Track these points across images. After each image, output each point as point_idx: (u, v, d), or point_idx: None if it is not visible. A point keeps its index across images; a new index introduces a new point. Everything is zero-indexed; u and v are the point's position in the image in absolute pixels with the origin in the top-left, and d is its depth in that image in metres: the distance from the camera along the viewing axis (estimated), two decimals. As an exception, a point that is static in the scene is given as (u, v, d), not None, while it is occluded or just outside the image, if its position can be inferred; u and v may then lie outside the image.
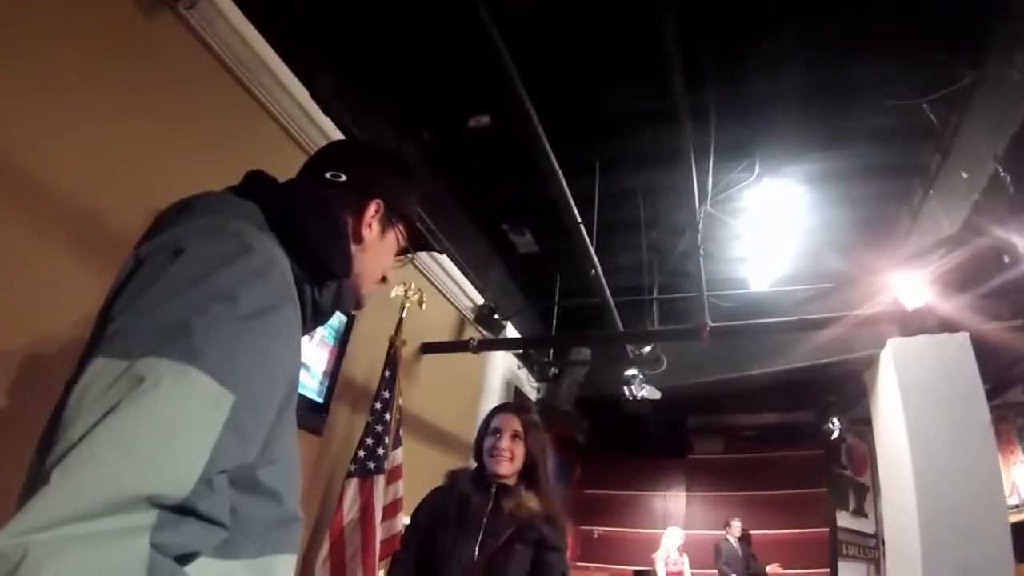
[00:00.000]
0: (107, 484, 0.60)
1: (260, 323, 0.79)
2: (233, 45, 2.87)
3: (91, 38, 2.30)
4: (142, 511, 0.61)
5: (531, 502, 2.38)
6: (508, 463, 2.43)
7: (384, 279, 1.23)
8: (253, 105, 3.08)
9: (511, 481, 2.45)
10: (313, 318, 1.06)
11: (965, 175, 3.88)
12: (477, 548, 2.29)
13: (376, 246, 1.17)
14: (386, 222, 1.18)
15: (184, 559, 0.67)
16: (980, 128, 3.64)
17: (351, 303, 1.10)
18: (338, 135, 3.49)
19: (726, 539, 8.51)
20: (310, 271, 1.00)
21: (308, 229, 1.02)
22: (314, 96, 3.31)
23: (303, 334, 1.02)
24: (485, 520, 2.35)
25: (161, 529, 0.62)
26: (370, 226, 1.15)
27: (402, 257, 1.31)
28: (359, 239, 1.13)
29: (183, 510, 0.64)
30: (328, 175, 1.15)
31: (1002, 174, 3.54)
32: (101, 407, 0.65)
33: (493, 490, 2.43)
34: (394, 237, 1.21)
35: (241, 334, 0.76)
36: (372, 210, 1.15)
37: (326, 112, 3.40)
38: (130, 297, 0.78)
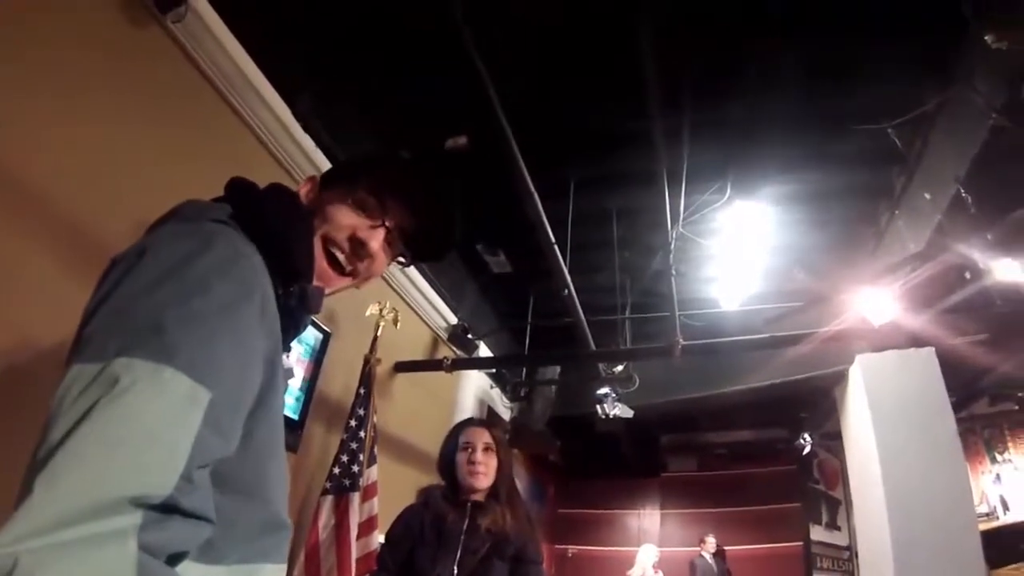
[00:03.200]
0: (91, 488, 0.60)
1: (232, 315, 0.79)
2: (218, 59, 2.88)
3: (77, 47, 2.29)
4: (128, 512, 0.61)
5: (506, 517, 2.38)
6: (484, 476, 2.43)
7: (355, 240, 1.12)
8: (235, 119, 3.07)
9: (484, 496, 2.45)
10: (287, 328, 1.01)
11: (928, 196, 3.98)
12: (456, 566, 2.28)
13: (325, 210, 1.13)
14: (331, 188, 1.16)
15: (173, 560, 0.67)
16: (943, 151, 3.75)
17: (317, 305, 1.05)
18: (317, 153, 3.50)
19: (701, 555, 8.54)
20: (277, 268, 0.96)
21: (269, 219, 1.00)
22: (295, 113, 3.31)
23: (290, 337, 1.03)
24: (462, 537, 2.34)
25: (147, 529, 0.61)
26: (309, 194, 1.15)
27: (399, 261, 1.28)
28: (310, 211, 1.13)
29: (167, 508, 0.64)
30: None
31: (964, 195, 3.64)
32: (78, 411, 0.64)
33: (468, 507, 2.42)
34: (342, 197, 1.16)
35: (213, 328, 0.76)
36: (309, 184, 1.17)
37: (306, 129, 3.40)
38: (100, 301, 0.78)
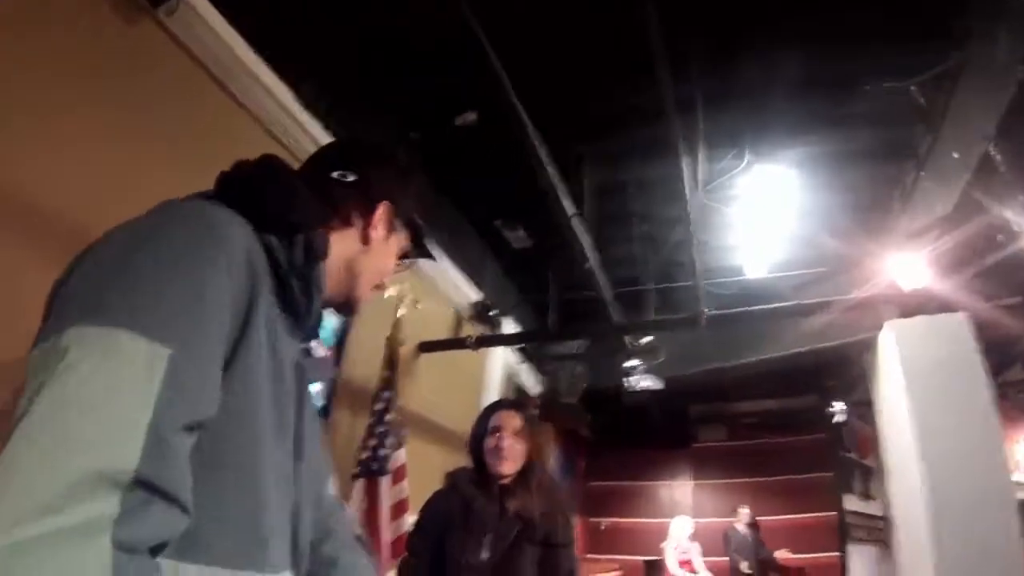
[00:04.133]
0: (50, 471, 0.56)
1: (186, 262, 0.74)
2: (215, 50, 2.84)
3: (71, 48, 2.28)
4: (100, 494, 0.57)
5: (535, 499, 2.34)
6: (512, 461, 2.39)
7: (380, 285, 1.18)
8: (237, 110, 3.05)
9: (513, 479, 2.41)
10: (301, 289, 0.96)
11: (956, 155, 3.85)
12: (486, 551, 2.26)
13: (380, 249, 1.13)
14: (391, 226, 1.15)
15: (154, 551, 0.64)
16: (969, 109, 3.61)
17: (323, 251, 1.00)
18: (326, 138, 3.44)
19: (734, 527, 8.51)
20: (271, 228, 0.92)
21: (235, 172, 1.00)
22: (300, 99, 3.28)
23: (302, 317, 0.98)
24: (492, 522, 2.31)
25: (123, 523, 0.57)
26: (377, 228, 1.11)
27: (401, 264, 1.26)
28: (366, 240, 1.10)
29: (141, 484, 0.59)
30: (335, 174, 1.11)
31: (992, 153, 3.53)
32: (30, 393, 0.61)
33: (496, 491, 2.38)
34: (396, 241, 1.17)
35: (165, 280, 0.72)
36: (380, 212, 1.12)
37: (313, 115, 3.38)
38: (56, 289, 0.77)
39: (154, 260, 0.73)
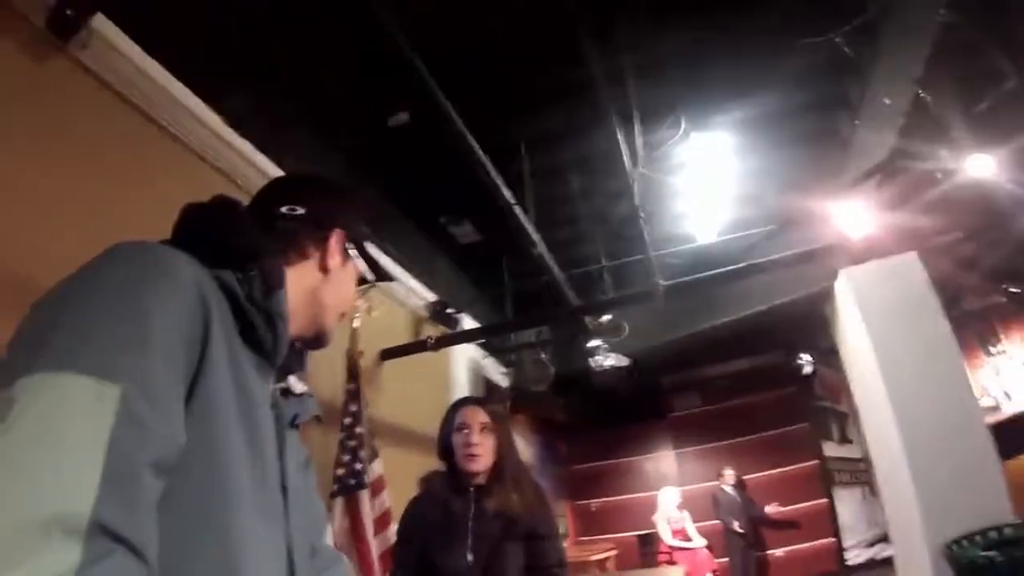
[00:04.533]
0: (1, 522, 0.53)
1: (130, 297, 0.72)
2: (132, 78, 2.72)
3: None
4: (54, 543, 0.53)
5: (512, 496, 2.29)
6: (482, 458, 2.33)
7: (345, 313, 1.16)
8: (163, 137, 2.92)
9: (488, 477, 2.35)
10: (265, 322, 0.93)
11: (888, 101, 3.89)
12: (469, 554, 2.21)
13: (339, 277, 1.12)
14: (346, 252, 1.14)
15: None
16: (894, 54, 3.67)
17: (279, 280, 0.96)
18: (257, 155, 3.36)
19: (722, 489, 8.63)
20: (224, 263, 0.90)
21: (203, 223, 0.97)
22: (225, 117, 3.17)
23: (270, 352, 0.95)
24: (471, 523, 2.26)
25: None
26: (334, 256, 1.10)
27: (360, 288, 1.25)
28: (325, 269, 1.09)
29: (99, 529, 0.56)
30: (284, 209, 1.09)
31: (923, 96, 3.56)
32: None
33: (472, 492, 2.33)
34: (353, 267, 1.16)
35: (108, 316, 0.70)
36: (334, 240, 1.11)
37: (240, 132, 3.26)
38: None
39: (97, 298, 0.71)
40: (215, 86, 3.11)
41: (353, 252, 1.16)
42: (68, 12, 2.36)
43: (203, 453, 0.75)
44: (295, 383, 1.09)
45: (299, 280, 1.04)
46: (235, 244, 0.93)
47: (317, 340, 1.12)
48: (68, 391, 0.62)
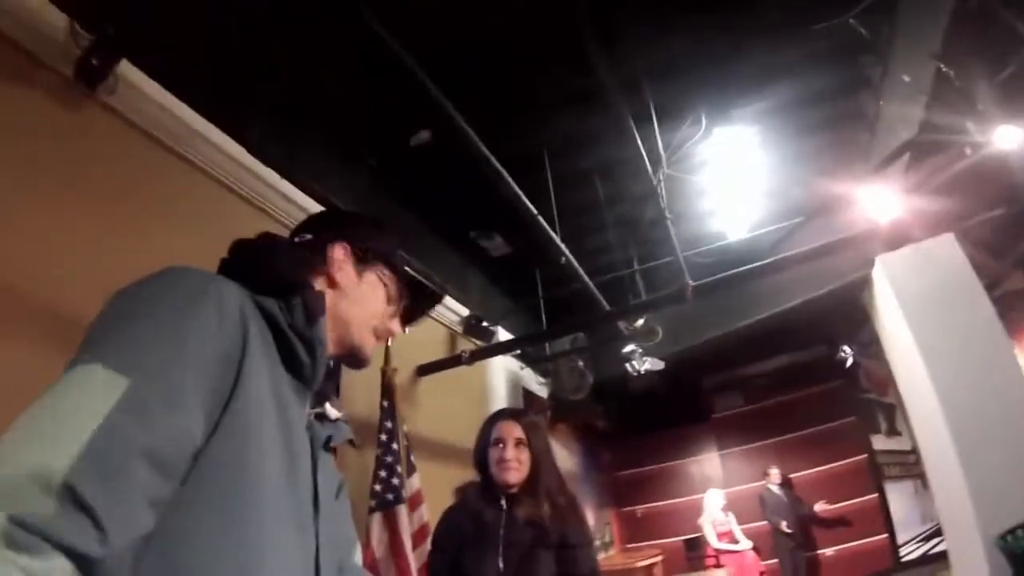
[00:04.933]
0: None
1: (174, 310, 0.80)
2: (159, 118, 2.83)
3: (16, 139, 2.25)
4: (31, 493, 0.60)
5: (543, 505, 2.33)
6: (516, 472, 2.38)
7: (386, 333, 1.20)
8: (192, 171, 3.02)
9: (521, 487, 2.39)
10: (305, 350, 0.99)
11: (908, 79, 3.83)
12: (501, 562, 2.24)
13: (356, 291, 1.14)
14: (360, 264, 1.17)
15: (77, 560, 0.62)
16: (912, 30, 3.63)
17: (320, 308, 1.02)
18: (282, 182, 3.45)
19: (768, 488, 8.52)
20: (268, 291, 0.97)
21: (248, 255, 1.05)
22: (248, 146, 3.25)
23: (309, 378, 1.01)
24: (503, 532, 2.30)
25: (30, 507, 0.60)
26: (342, 269, 1.14)
27: (410, 313, 1.31)
28: (333, 284, 1.12)
29: (68, 492, 0.62)
30: (296, 239, 1.17)
31: (944, 70, 3.51)
32: None
33: (505, 501, 2.37)
34: (377, 280, 1.18)
35: (151, 325, 0.78)
36: (339, 253, 1.14)
37: (263, 159, 3.34)
38: None
39: (144, 310, 0.80)
40: (237, 117, 3.20)
41: (373, 265, 1.19)
42: (94, 61, 2.46)
43: (236, 461, 0.81)
44: (331, 409, 1.12)
45: None
46: (279, 275, 1.00)
47: (353, 358, 1.16)
48: (88, 377, 0.71)
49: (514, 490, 2.38)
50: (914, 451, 8.39)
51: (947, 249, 4.94)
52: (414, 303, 1.29)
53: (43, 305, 2.18)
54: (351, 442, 1.21)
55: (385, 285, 1.19)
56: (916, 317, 4.99)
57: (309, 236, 1.16)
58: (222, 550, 0.77)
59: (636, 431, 10.13)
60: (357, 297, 1.14)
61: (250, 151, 3.27)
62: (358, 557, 1.20)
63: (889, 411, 8.94)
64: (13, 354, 1.98)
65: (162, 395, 0.73)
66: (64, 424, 0.66)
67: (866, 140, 4.63)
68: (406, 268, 1.25)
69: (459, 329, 5.29)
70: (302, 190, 3.53)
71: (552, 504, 2.35)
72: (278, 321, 0.95)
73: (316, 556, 0.94)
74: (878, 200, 4.09)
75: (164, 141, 2.88)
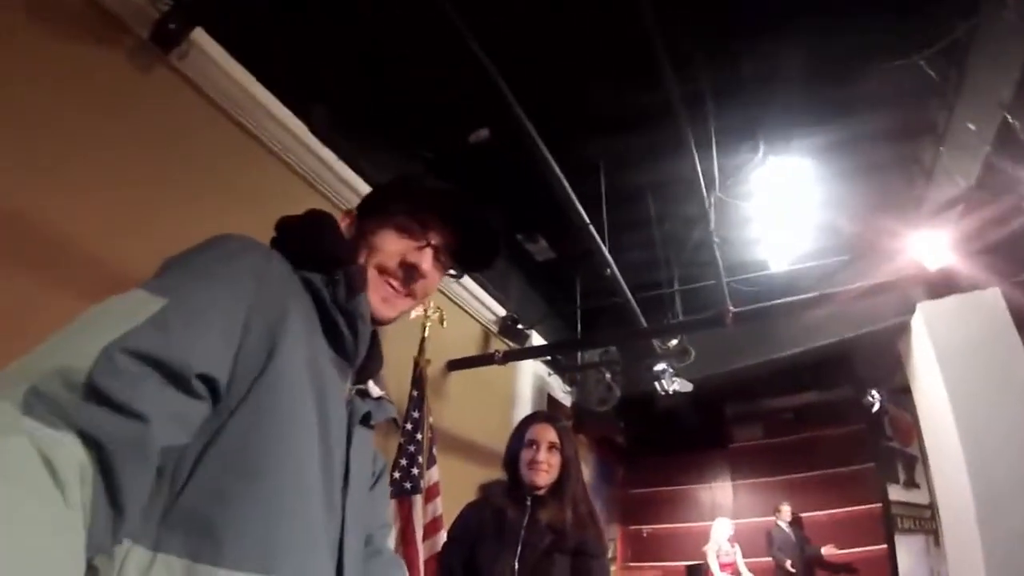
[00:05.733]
0: (24, 365, 0.66)
1: (209, 257, 0.88)
2: (226, 88, 2.93)
3: (88, 98, 2.37)
4: (58, 386, 0.63)
5: (567, 512, 2.34)
6: (546, 474, 2.39)
7: (411, 268, 1.09)
8: (252, 144, 3.12)
9: (547, 491, 2.41)
10: (347, 323, 1.00)
11: (973, 127, 3.81)
12: (516, 561, 2.25)
13: (370, 240, 1.10)
14: (366, 218, 1.14)
15: (100, 451, 0.64)
16: (983, 78, 3.59)
17: (361, 284, 1.02)
18: (339, 164, 3.53)
19: (777, 525, 8.42)
20: (302, 258, 1.01)
21: (294, 230, 1.08)
22: (311, 128, 3.34)
23: (350, 352, 1.03)
24: (523, 532, 2.31)
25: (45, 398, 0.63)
26: (351, 230, 1.14)
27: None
28: (355, 247, 1.12)
29: (92, 389, 0.64)
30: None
31: (1011, 121, 3.49)
32: None
33: (529, 502, 2.39)
34: (378, 224, 1.12)
35: (194, 269, 0.85)
36: (346, 220, 1.15)
37: (324, 142, 3.43)
38: None
39: (193, 261, 0.87)
40: (303, 97, 3.29)
41: (388, 214, 1.13)
42: (171, 26, 2.57)
43: (267, 427, 0.82)
44: (373, 387, 1.13)
45: None
46: (322, 250, 1.04)
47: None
48: (131, 296, 0.77)
49: (540, 492, 2.40)
50: (930, 506, 8.29)
51: (991, 303, 4.87)
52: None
53: (94, 260, 2.26)
54: (394, 421, 1.20)
55: (392, 225, 1.12)
56: (951, 369, 4.93)
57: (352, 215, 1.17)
58: (242, 507, 0.77)
59: (653, 451, 10.09)
60: (370, 246, 1.10)
61: (313, 132, 3.36)
62: (391, 542, 1.22)
63: (910, 462, 8.83)
64: (62, 304, 2.06)
65: (188, 323, 0.76)
66: (95, 329, 0.70)
67: (921, 185, 4.60)
68: (428, 189, 1.17)
69: (494, 328, 5.34)
70: (359, 175, 3.61)
71: (575, 511, 2.36)
72: (322, 295, 0.98)
73: (341, 535, 0.94)
74: (928, 246, 4.05)
75: (230, 112, 2.98)
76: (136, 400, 0.67)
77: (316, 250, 1.03)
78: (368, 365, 1.10)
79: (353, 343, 1.02)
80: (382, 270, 1.09)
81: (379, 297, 1.08)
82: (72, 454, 0.61)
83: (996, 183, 3.86)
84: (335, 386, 0.97)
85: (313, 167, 3.41)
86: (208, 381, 0.77)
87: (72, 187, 2.24)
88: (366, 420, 1.07)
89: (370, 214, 1.15)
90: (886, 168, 4.63)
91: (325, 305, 0.98)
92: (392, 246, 1.10)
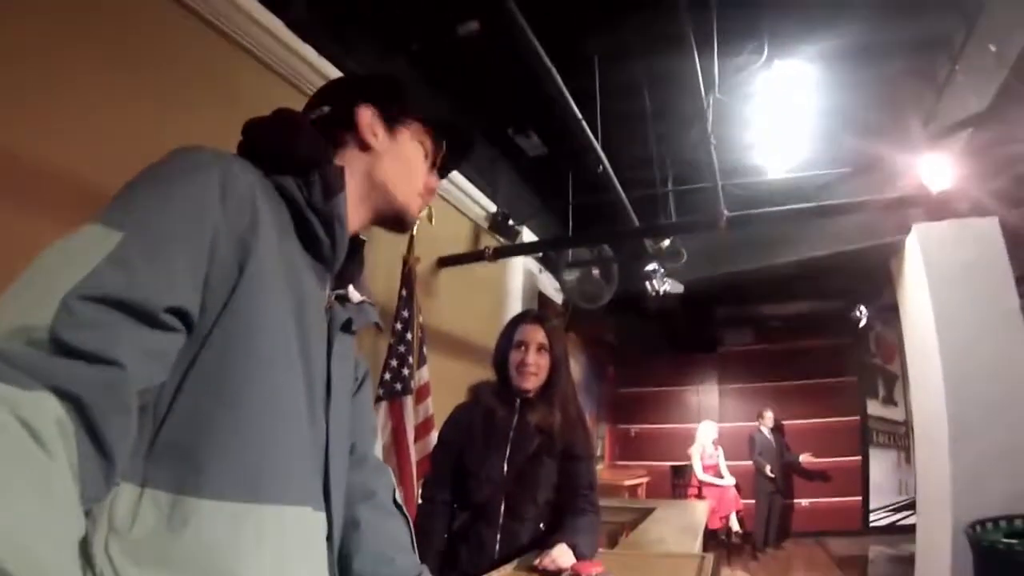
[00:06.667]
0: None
1: (172, 182, 0.80)
2: None
3: (51, 4, 2.22)
4: (20, 345, 0.61)
5: (556, 414, 2.34)
6: (535, 377, 2.37)
7: (427, 190, 1.17)
8: (227, 45, 2.93)
9: (536, 393, 2.40)
10: (323, 227, 0.97)
11: (994, 49, 3.61)
12: (505, 463, 2.28)
13: (390, 149, 1.10)
14: (391, 122, 1.11)
15: (77, 404, 0.62)
16: (1011, -2, 3.38)
17: (339, 184, 0.98)
18: (321, 61, 3.36)
19: (759, 430, 8.65)
20: (284, 169, 0.95)
21: (264, 133, 1.01)
22: (288, 23, 3.16)
23: (328, 257, 1.00)
24: (512, 434, 2.32)
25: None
26: (374, 133, 1.09)
27: (445, 162, 1.25)
28: (365, 147, 1.08)
29: (56, 343, 0.62)
30: (313, 116, 1.10)
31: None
32: None
33: (518, 404, 2.39)
34: (411, 136, 1.13)
35: (152, 193, 0.79)
36: (366, 115, 1.08)
37: (304, 38, 3.26)
38: None
39: (150, 182, 0.81)
40: None
41: (404, 122, 1.14)
42: None
43: (243, 343, 0.81)
44: (353, 292, 1.10)
45: (351, 171, 1.05)
46: (295, 152, 0.97)
47: (398, 221, 1.14)
48: (85, 233, 0.71)
49: (529, 394, 2.39)
50: (905, 423, 8.50)
51: (988, 231, 4.83)
52: (450, 152, 1.23)
53: (74, 171, 2.19)
54: (377, 325, 1.18)
55: (420, 141, 1.15)
56: (940, 292, 4.92)
57: (326, 109, 1.10)
58: (223, 434, 0.77)
59: (643, 351, 10.24)
60: (396, 155, 1.10)
61: (291, 27, 3.19)
62: (378, 449, 1.24)
63: (890, 379, 8.99)
64: (39, 223, 2.01)
65: (150, 255, 0.72)
66: (51, 277, 0.67)
67: (931, 104, 4.41)
68: (438, 117, 1.20)
69: (484, 224, 5.27)
70: (341, 70, 3.46)
71: (564, 413, 2.36)
72: (296, 199, 0.94)
73: (326, 447, 0.95)
74: (931, 167, 3.93)
75: (201, 12, 2.78)
76: (106, 346, 0.65)
77: (288, 152, 0.97)
78: (348, 269, 1.08)
79: (331, 247, 0.99)
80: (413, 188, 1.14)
81: (416, 208, 1.15)
82: (48, 410, 0.59)
83: (1010, 111, 3.69)
84: (313, 293, 0.95)
85: (292, 64, 3.24)
86: (178, 312, 0.75)
87: (34, 104, 2.12)
88: (347, 327, 1.06)
89: (396, 123, 1.13)
90: (896, 81, 4.41)
91: (300, 209, 0.94)
92: (419, 165, 1.16)
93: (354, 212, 1.05)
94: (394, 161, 1.10)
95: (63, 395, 0.61)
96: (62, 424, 0.60)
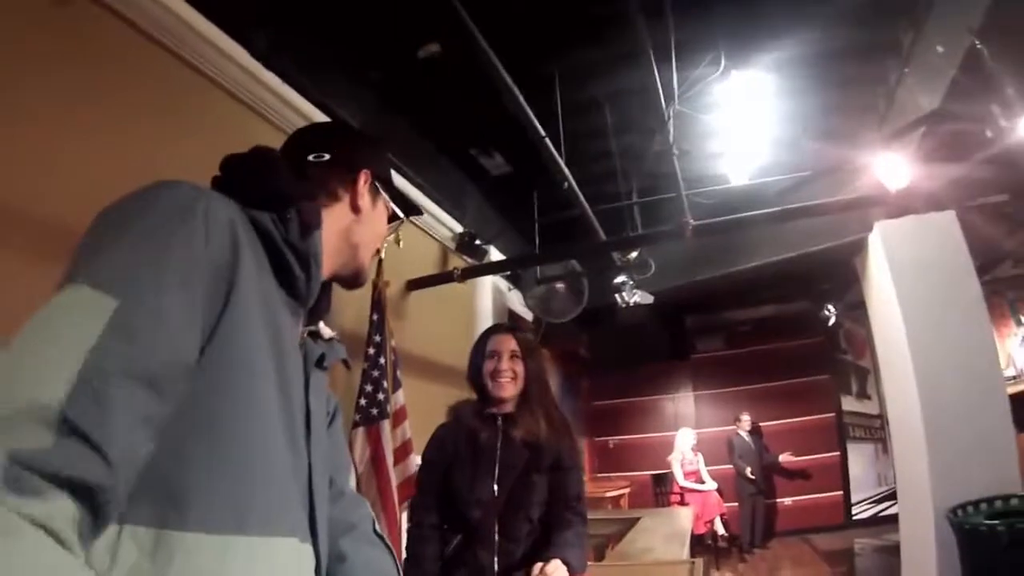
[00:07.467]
0: None
1: (160, 228, 0.78)
2: (160, 18, 2.67)
3: (4, 42, 2.14)
4: (28, 426, 0.59)
5: (540, 423, 2.31)
6: (511, 383, 2.34)
7: (377, 251, 1.23)
8: (190, 74, 2.88)
9: (516, 406, 2.38)
10: (299, 263, 0.98)
11: (941, 50, 3.70)
12: (496, 484, 2.24)
13: (371, 216, 1.17)
14: (374, 191, 1.18)
15: (90, 493, 0.62)
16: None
17: (316, 222, 1.01)
18: (285, 88, 3.33)
19: (737, 434, 8.73)
20: (262, 205, 0.95)
21: (242, 169, 1.01)
22: (252, 53, 3.14)
23: (303, 294, 1.00)
24: (499, 454, 2.29)
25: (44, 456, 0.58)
26: (363, 196, 1.15)
27: (392, 225, 1.30)
28: (356, 210, 1.14)
29: (67, 424, 0.60)
30: (311, 157, 1.13)
31: (979, 46, 3.39)
32: None
33: (499, 422, 2.35)
34: (383, 205, 1.21)
35: (138, 244, 0.75)
36: (363, 180, 1.15)
37: (267, 67, 3.23)
38: None
39: (132, 227, 0.77)
40: (244, 23, 3.06)
41: (383, 191, 1.21)
42: None
43: (228, 379, 0.80)
44: (324, 328, 1.13)
45: (333, 222, 1.09)
46: (273, 188, 0.98)
47: (354, 278, 1.18)
48: (76, 299, 0.69)
49: (508, 408, 2.36)
50: (880, 416, 8.63)
51: (947, 226, 4.95)
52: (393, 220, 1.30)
53: (36, 205, 2.12)
54: (344, 362, 1.20)
55: (388, 209, 1.23)
56: (904, 287, 5.02)
57: (328, 156, 1.14)
58: (207, 467, 0.77)
59: (616, 363, 10.26)
60: (370, 221, 1.17)
61: (256, 57, 3.16)
62: (352, 483, 1.26)
63: (862, 374, 9.13)
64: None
65: (153, 316, 0.71)
66: (54, 351, 0.64)
67: (884, 106, 4.52)
68: (406, 201, 1.29)
69: (452, 245, 5.26)
70: (307, 99, 3.45)
71: (548, 423, 2.33)
72: (272, 235, 0.94)
73: (309, 479, 0.95)
74: (887, 167, 4.02)
75: (165, 43, 2.73)
76: (112, 431, 0.64)
77: (265, 188, 0.97)
78: (318, 306, 1.10)
79: (306, 283, 1.00)
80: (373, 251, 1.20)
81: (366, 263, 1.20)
82: (64, 514, 0.59)
83: (960, 109, 3.78)
84: (289, 330, 0.96)
85: (259, 94, 3.21)
86: (182, 367, 0.75)
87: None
88: (320, 362, 1.08)
89: (377, 190, 1.20)
90: (850, 85, 4.52)
91: (276, 245, 0.94)
92: (383, 229, 1.24)
93: (325, 259, 1.06)
94: (370, 228, 1.17)
95: (78, 488, 0.61)
96: (79, 523, 0.61)
